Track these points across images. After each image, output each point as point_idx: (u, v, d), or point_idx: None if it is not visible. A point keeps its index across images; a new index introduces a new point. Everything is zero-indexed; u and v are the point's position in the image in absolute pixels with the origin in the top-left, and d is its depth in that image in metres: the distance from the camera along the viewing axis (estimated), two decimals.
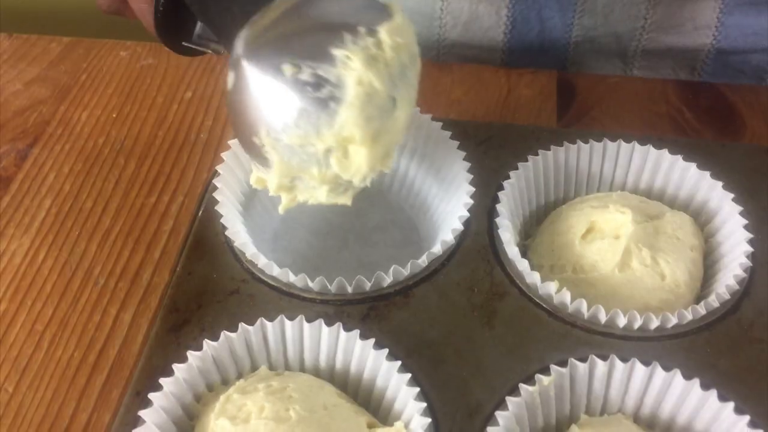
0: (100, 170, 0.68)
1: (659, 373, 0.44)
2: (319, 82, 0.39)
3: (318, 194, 0.44)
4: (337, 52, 0.39)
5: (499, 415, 0.43)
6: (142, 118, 0.72)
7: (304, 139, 0.40)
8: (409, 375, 0.45)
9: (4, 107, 0.73)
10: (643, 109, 0.72)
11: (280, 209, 0.45)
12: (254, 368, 0.48)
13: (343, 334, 0.47)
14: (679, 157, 0.56)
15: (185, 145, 0.70)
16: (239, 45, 0.41)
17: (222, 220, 0.52)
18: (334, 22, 0.41)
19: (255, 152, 0.42)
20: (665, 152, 0.56)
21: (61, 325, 0.57)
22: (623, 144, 0.57)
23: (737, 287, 0.49)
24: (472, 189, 0.53)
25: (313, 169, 0.42)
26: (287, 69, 0.39)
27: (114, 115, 0.72)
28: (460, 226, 0.52)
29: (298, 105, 0.40)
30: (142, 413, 0.43)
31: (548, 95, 0.73)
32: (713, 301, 0.48)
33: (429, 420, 0.43)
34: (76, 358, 0.55)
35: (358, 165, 0.41)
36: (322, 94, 0.39)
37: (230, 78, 0.42)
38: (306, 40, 0.40)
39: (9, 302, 0.58)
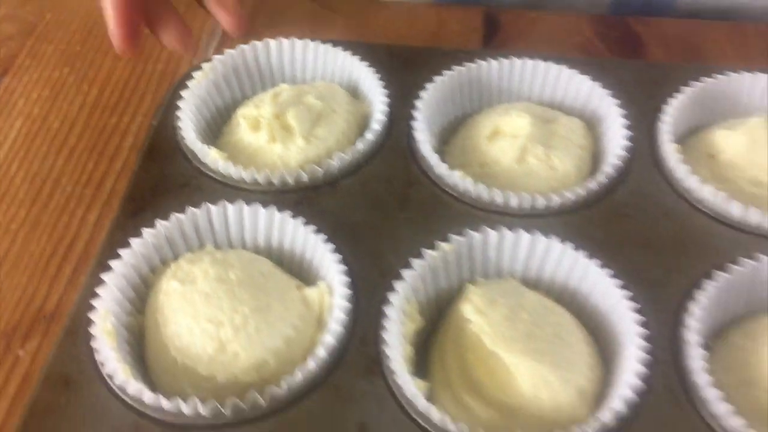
0: (66, 95, 0.74)
1: (540, 239, 0.53)
2: None
3: None
4: None
5: (405, 273, 0.51)
6: (104, 50, 0.78)
7: None
8: (332, 246, 0.53)
9: None
10: (560, 41, 0.80)
11: None
12: (201, 246, 0.56)
13: (277, 214, 0.55)
14: (576, 72, 0.64)
15: (143, 74, 0.76)
16: None
17: (178, 123, 0.60)
18: None
19: None
20: (564, 68, 0.64)
21: (33, 226, 0.64)
22: (528, 61, 0.65)
23: (614, 174, 0.57)
24: (387, 99, 0.61)
25: None
26: None
27: (78, 48, 0.79)
28: (378, 128, 0.60)
29: None
30: (103, 276, 0.51)
31: (474, 29, 0.81)
32: (593, 185, 0.56)
33: (348, 279, 0.51)
34: (47, 252, 0.62)
35: None
36: None
37: None
38: None
39: None
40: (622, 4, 0.84)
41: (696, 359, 0.47)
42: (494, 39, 0.80)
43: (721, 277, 0.51)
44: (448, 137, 0.65)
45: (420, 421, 0.46)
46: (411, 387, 0.46)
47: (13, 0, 0.85)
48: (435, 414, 0.45)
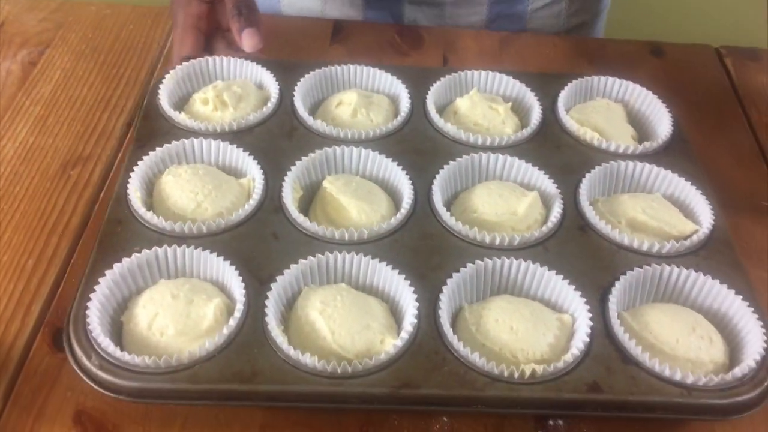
0: (81, 71, 1.22)
1: (363, 151, 1.02)
2: None
3: None
4: None
5: (292, 168, 0.99)
6: (105, 36, 1.30)
7: None
8: (252, 157, 1.00)
9: (25, 30, 1.29)
10: (380, 40, 1.35)
11: None
12: (180, 162, 1.01)
13: (221, 144, 1.01)
14: (389, 74, 1.15)
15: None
16: None
17: (159, 100, 1.05)
18: None
19: None
20: (377, 69, 1.15)
21: (72, 120, 1.14)
22: (358, 66, 1.15)
23: (401, 122, 1.08)
24: (278, 88, 1.10)
25: None
26: None
27: (90, 34, 1.30)
28: (274, 101, 1.08)
29: None
30: (131, 174, 0.95)
31: (327, 32, 1.36)
32: (390, 126, 1.07)
33: (262, 172, 0.98)
34: (81, 130, 1.12)
35: None
36: None
37: None
38: None
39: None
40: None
41: (436, 195, 0.97)
42: (338, 36, 1.34)
43: (449, 165, 1.01)
44: (317, 108, 1.14)
45: (302, 230, 0.93)
46: (297, 215, 0.93)
47: (50, 7, 1.34)
48: (309, 224, 0.92)
